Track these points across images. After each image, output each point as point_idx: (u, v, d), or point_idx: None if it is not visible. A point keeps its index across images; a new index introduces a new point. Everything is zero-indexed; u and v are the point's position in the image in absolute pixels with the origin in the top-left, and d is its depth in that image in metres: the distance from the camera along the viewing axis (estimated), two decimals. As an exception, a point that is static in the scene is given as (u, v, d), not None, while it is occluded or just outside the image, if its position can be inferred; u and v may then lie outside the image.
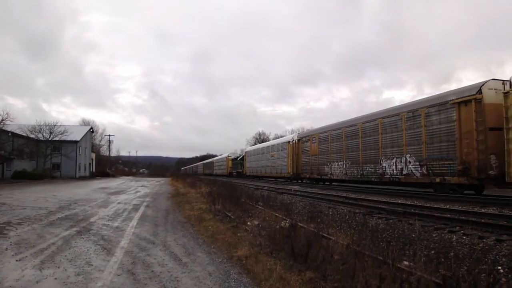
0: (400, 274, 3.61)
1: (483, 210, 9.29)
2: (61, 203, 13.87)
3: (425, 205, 10.70)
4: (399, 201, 12.00)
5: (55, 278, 4.48)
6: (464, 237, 6.55)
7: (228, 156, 60.84)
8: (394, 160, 16.93)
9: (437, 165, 14.33)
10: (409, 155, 15.89)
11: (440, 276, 3.48)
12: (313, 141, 26.19)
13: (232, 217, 9.17)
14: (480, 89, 12.65)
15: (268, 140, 66.40)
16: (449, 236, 6.71)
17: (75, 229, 8.12)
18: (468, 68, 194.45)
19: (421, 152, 15.15)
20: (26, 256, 5.54)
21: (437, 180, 14.31)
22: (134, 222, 9.36)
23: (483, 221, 7.64)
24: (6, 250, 5.94)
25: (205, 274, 4.81)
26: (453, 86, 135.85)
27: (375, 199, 13.05)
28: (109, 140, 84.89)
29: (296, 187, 20.96)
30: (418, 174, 15.38)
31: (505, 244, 5.88)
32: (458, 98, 13.42)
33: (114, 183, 37.84)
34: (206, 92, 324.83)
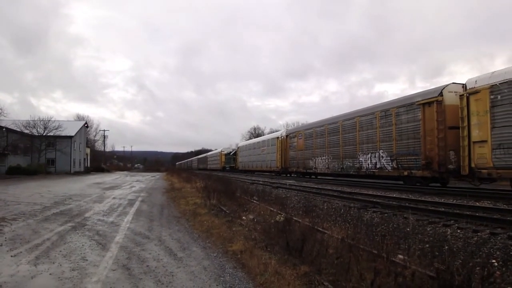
0: (395, 267, 3.62)
1: (477, 204, 9.35)
2: (56, 199, 13.81)
3: (420, 199, 10.76)
4: (394, 195, 12.06)
5: (50, 274, 4.47)
6: (459, 231, 6.59)
7: (221, 151, 61.23)
8: (369, 155, 18.12)
9: (405, 160, 15.49)
10: (382, 151, 17.08)
11: (434, 270, 3.50)
12: (299, 137, 27.15)
13: (227, 211, 9.18)
14: (442, 92, 13.75)
15: (263, 135, 66.65)
16: (444, 230, 6.75)
17: (70, 224, 8.09)
18: (459, 62, 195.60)
19: (392, 148, 16.29)
20: (21, 252, 5.51)
21: (405, 173, 15.46)
22: (129, 217, 9.34)
23: (477, 214, 7.70)
24: (1, 245, 5.92)
25: (200, 268, 4.82)
26: (445, 79, 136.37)
27: (370, 193, 13.10)
28: (104, 135, 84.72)
29: (291, 182, 21.01)
30: (389, 168, 16.53)
31: (499, 238, 5.92)
32: (423, 100, 14.57)
33: (109, 178, 37.71)
34: (196, 87, 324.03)
